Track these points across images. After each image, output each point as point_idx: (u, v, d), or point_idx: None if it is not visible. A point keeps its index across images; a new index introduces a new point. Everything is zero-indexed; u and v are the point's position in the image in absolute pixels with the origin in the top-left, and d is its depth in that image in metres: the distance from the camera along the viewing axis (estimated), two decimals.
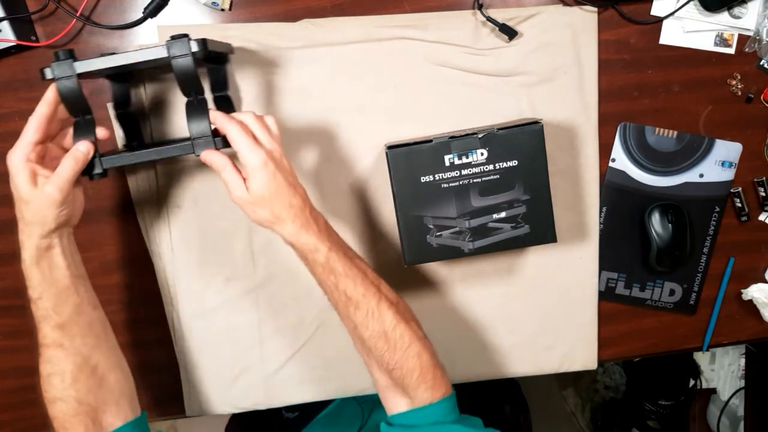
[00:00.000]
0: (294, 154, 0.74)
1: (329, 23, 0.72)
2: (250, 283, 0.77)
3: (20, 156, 0.57)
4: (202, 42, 0.58)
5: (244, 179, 0.57)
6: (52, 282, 0.60)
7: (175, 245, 0.76)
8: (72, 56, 0.57)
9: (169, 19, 0.71)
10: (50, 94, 0.58)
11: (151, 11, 0.69)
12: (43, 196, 0.56)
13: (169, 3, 0.70)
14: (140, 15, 0.70)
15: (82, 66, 0.57)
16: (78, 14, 0.69)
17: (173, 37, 0.57)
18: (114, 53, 0.59)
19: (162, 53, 0.57)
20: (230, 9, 0.71)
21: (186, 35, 0.57)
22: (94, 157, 0.59)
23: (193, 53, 0.57)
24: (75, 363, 0.60)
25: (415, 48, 0.73)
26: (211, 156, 0.58)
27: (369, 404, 0.86)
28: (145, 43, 0.71)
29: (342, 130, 0.74)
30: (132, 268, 0.77)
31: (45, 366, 0.60)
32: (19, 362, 0.79)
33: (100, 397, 0.61)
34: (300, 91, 0.73)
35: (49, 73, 0.57)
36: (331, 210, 0.75)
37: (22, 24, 0.68)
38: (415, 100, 0.74)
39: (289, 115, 0.73)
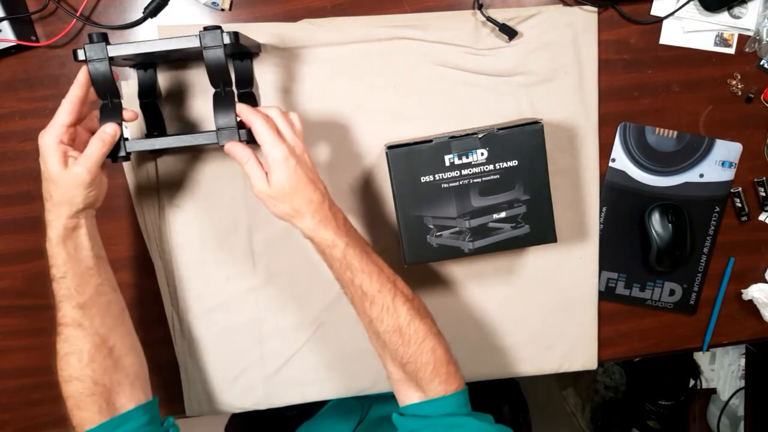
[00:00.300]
0: None
1: (329, 23, 0.72)
2: (250, 283, 0.77)
3: (53, 137, 0.58)
4: (235, 35, 0.59)
5: (266, 173, 0.58)
6: (76, 261, 0.61)
7: (175, 245, 0.76)
8: (105, 39, 0.58)
9: (169, 19, 0.71)
10: (82, 77, 0.59)
11: (151, 11, 0.69)
12: (72, 176, 0.57)
13: (169, 3, 0.70)
14: (140, 15, 0.70)
15: (114, 50, 0.58)
16: (78, 14, 0.69)
17: (206, 28, 0.58)
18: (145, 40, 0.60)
19: (194, 43, 0.58)
20: (230, 9, 0.71)
21: (219, 27, 0.58)
22: (119, 140, 0.60)
23: (225, 45, 0.58)
24: (93, 343, 0.61)
25: (415, 48, 0.73)
26: (234, 147, 0.59)
27: (367, 400, 0.86)
28: None
29: (342, 130, 0.74)
30: (132, 268, 0.77)
31: (63, 345, 0.61)
32: (19, 362, 0.79)
33: (115, 379, 0.62)
34: (300, 91, 0.73)
35: (81, 54, 0.58)
36: None
37: (22, 24, 0.68)
38: (415, 100, 0.74)
39: None
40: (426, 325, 0.62)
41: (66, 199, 0.58)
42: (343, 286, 0.62)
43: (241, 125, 0.60)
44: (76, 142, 0.61)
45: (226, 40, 0.58)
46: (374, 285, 0.60)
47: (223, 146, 0.60)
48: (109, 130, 0.59)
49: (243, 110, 0.59)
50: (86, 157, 0.58)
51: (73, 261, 0.60)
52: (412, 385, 0.62)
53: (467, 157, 0.67)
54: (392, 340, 0.61)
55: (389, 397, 0.86)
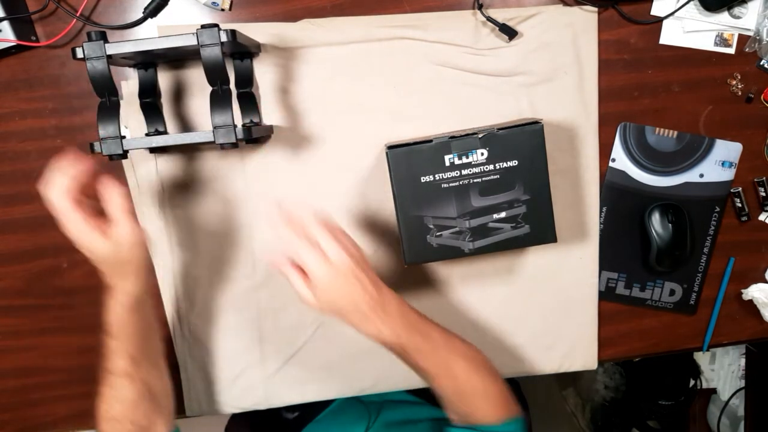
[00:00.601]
0: (293, 155, 0.74)
1: (329, 23, 0.72)
2: (250, 283, 0.77)
3: (81, 225, 0.56)
4: (232, 33, 0.59)
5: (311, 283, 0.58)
6: (140, 326, 0.62)
7: (175, 245, 0.76)
8: (104, 38, 0.59)
9: (169, 19, 0.71)
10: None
11: (151, 11, 0.69)
12: (122, 240, 0.57)
13: (169, 3, 0.70)
14: (140, 15, 0.70)
15: (112, 48, 0.58)
16: (78, 14, 0.69)
17: (204, 26, 0.58)
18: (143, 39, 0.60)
19: (192, 41, 0.58)
20: (230, 9, 0.71)
21: (216, 25, 0.58)
22: (115, 138, 0.60)
23: (222, 43, 0.58)
24: (139, 391, 0.62)
25: (415, 48, 0.73)
26: (277, 266, 0.59)
27: (375, 405, 0.86)
28: None
29: (342, 130, 0.74)
30: None
31: (109, 390, 0.62)
32: (19, 362, 0.79)
33: (152, 419, 0.64)
34: (300, 90, 0.73)
35: (80, 53, 0.58)
36: (331, 211, 0.75)
37: (22, 24, 0.68)
38: (415, 100, 0.74)
39: (289, 116, 0.73)
40: (482, 379, 0.65)
41: (131, 268, 0.59)
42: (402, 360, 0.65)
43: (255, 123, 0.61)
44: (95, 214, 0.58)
45: (224, 38, 0.58)
46: (430, 361, 0.63)
47: (221, 145, 0.60)
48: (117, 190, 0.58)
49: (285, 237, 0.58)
50: (120, 214, 0.57)
51: (136, 327, 0.62)
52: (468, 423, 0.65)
53: (467, 157, 0.67)
54: (451, 400, 0.65)
55: (399, 402, 0.86)
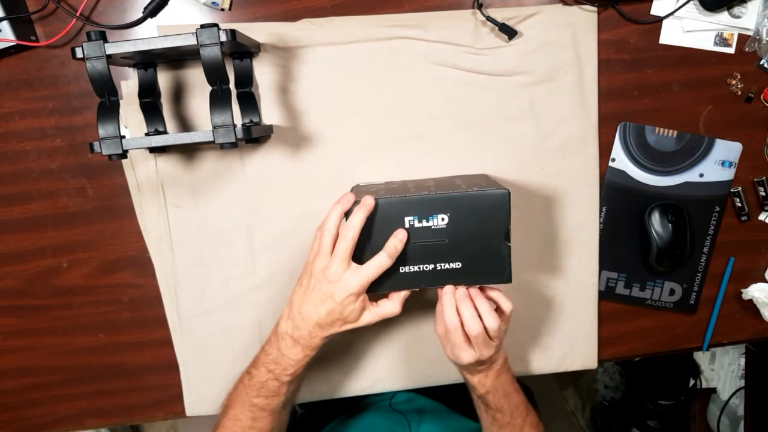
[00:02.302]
0: (293, 155, 0.74)
1: (329, 23, 0.72)
2: (250, 282, 0.77)
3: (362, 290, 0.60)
4: (231, 33, 0.59)
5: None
6: (301, 374, 0.65)
7: (175, 245, 0.76)
8: (103, 38, 0.59)
9: (168, 19, 0.71)
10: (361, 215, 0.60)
11: (151, 11, 0.69)
12: (385, 314, 0.62)
13: (169, 3, 0.70)
14: (140, 15, 0.70)
15: (112, 47, 0.58)
16: (78, 14, 0.69)
17: (203, 26, 0.58)
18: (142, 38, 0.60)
19: (191, 40, 0.58)
20: (230, 9, 0.71)
21: (216, 25, 0.58)
22: (116, 137, 0.61)
23: (222, 43, 0.58)
24: (271, 425, 0.66)
25: (415, 47, 0.73)
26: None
27: (414, 415, 0.85)
28: None
29: (342, 129, 0.74)
30: (132, 268, 0.77)
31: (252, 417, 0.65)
32: (19, 362, 0.79)
33: None
34: (299, 90, 0.73)
35: (79, 52, 0.58)
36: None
37: (22, 24, 0.68)
38: (415, 99, 0.74)
39: (289, 116, 0.73)
40: None
41: (337, 324, 0.61)
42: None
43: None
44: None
45: (223, 37, 0.58)
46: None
47: (221, 145, 0.60)
48: (386, 255, 0.60)
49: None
50: (379, 315, 0.62)
51: (300, 374, 0.64)
52: None
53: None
54: None
55: (439, 414, 0.86)
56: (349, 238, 0.58)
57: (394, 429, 0.83)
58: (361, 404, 0.91)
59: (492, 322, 0.61)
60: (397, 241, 0.60)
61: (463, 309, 0.61)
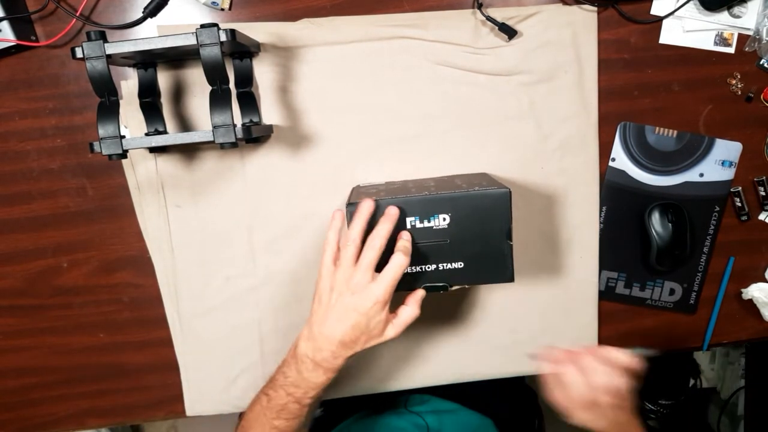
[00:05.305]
0: (293, 155, 0.74)
1: (329, 23, 0.72)
2: (250, 282, 0.77)
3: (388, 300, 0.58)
4: (231, 32, 0.59)
5: None
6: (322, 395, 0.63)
7: (175, 245, 0.76)
8: (103, 37, 0.59)
9: (168, 19, 0.71)
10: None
11: (151, 11, 0.69)
12: (407, 322, 0.60)
13: (169, 3, 0.70)
14: (140, 15, 0.70)
15: (111, 47, 0.58)
16: (78, 14, 0.69)
17: (203, 26, 0.58)
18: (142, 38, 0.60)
19: (191, 40, 0.58)
20: (230, 9, 0.71)
21: (216, 24, 0.58)
22: (116, 137, 0.61)
23: (221, 42, 0.58)
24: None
25: (415, 47, 0.73)
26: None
27: (432, 416, 0.84)
28: None
29: (342, 129, 0.74)
30: (132, 268, 0.77)
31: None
32: (19, 362, 0.79)
33: None
34: (299, 90, 0.73)
35: (79, 52, 0.58)
36: (330, 212, 0.75)
37: (22, 24, 0.68)
38: (415, 99, 0.74)
39: (289, 115, 0.73)
40: None
41: (362, 340, 0.59)
42: None
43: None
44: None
45: (223, 37, 0.58)
46: None
47: (221, 144, 0.60)
48: (401, 260, 0.58)
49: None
50: (402, 323, 0.59)
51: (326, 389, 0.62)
52: None
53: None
54: None
55: (455, 413, 0.86)
56: (377, 248, 0.57)
57: (411, 428, 0.82)
58: (372, 406, 0.90)
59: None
60: (404, 240, 0.59)
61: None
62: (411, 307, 0.60)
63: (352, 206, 0.62)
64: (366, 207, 0.59)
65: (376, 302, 0.57)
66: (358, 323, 0.57)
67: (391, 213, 0.59)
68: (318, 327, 0.59)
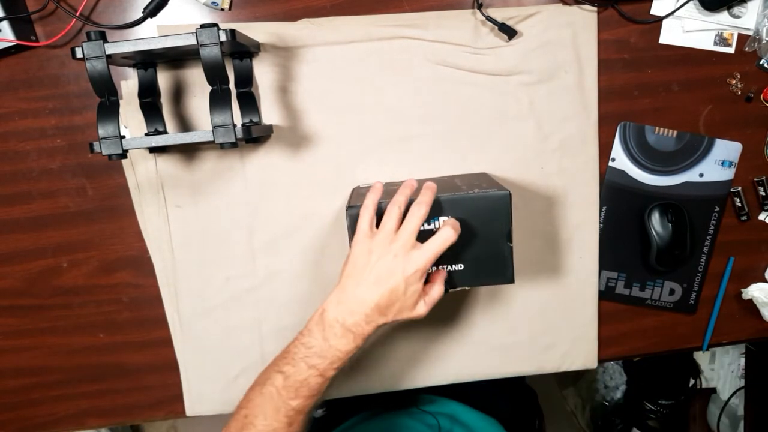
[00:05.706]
0: (293, 155, 0.74)
1: (329, 23, 0.72)
2: (250, 282, 0.77)
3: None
4: (231, 32, 0.59)
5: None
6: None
7: (175, 245, 0.76)
8: (103, 37, 0.59)
9: (168, 19, 0.71)
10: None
11: (151, 11, 0.69)
12: (435, 300, 0.60)
13: (169, 3, 0.70)
14: (140, 15, 0.70)
15: (111, 47, 0.59)
16: (78, 14, 0.69)
17: (203, 26, 0.58)
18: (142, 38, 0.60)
19: (191, 40, 0.58)
20: (230, 9, 0.71)
21: (216, 24, 0.58)
22: (115, 137, 0.60)
23: (221, 42, 0.58)
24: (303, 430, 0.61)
25: (415, 47, 0.73)
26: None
27: (444, 418, 0.83)
28: None
29: (342, 129, 0.74)
30: (132, 268, 0.77)
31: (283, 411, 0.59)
32: (19, 362, 0.79)
33: None
34: (299, 90, 0.73)
35: (79, 52, 0.58)
36: (330, 212, 0.75)
37: (22, 24, 0.68)
38: (414, 99, 0.74)
39: (289, 116, 0.74)
40: None
41: (395, 308, 0.58)
42: None
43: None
44: None
45: (223, 37, 0.58)
46: None
47: (221, 144, 0.60)
48: (449, 234, 0.57)
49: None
50: (432, 301, 0.59)
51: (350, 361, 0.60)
52: None
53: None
54: None
55: (467, 414, 0.85)
56: (421, 215, 0.57)
57: (423, 428, 0.82)
58: (375, 406, 0.90)
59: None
60: (453, 219, 0.59)
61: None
62: (438, 286, 0.60)
63: (352, 209, 0.61)
64: (432, 184, 0.60)
65: (417, 269, 0.56)
66: (397, 287, 0.56)
67: (432, 185, 0.59)
68: (352, 289, 0.57)
